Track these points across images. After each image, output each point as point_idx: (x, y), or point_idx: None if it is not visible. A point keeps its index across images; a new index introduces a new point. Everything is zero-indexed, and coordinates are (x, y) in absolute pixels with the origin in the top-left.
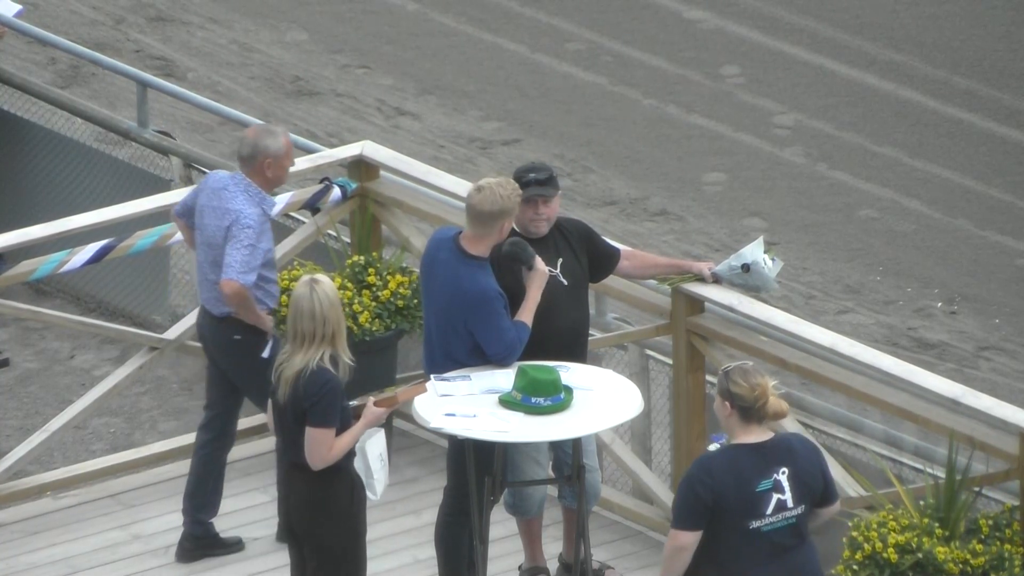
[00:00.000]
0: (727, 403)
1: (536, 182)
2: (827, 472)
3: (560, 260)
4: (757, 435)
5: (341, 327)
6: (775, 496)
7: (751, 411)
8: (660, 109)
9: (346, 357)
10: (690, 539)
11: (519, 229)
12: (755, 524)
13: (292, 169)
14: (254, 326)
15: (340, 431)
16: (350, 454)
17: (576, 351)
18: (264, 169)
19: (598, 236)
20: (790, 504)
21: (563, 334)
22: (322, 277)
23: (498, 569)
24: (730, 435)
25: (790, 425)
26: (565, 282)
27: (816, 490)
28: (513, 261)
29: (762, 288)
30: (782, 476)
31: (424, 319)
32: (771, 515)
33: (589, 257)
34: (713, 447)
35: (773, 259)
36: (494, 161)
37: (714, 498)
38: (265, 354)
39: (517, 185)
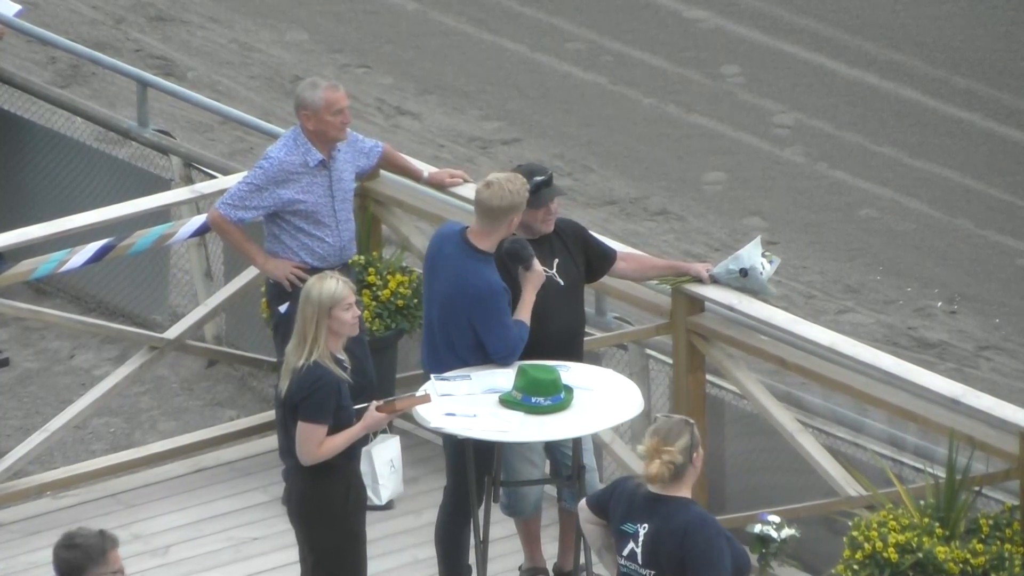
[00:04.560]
0: None
1: (545, 184)
2: (691, 557)
3: (556, 260)
4: (656, 486)
5: (309, 329)
6: (631, 543)
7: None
8: (660, 109)
9: (326, 362)
10: (582, 507)
11: (526, 232)
12: (618, 558)
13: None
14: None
15: (337, 431)
16: (352, 455)
17: (572, 352)
18: (305, 121)
19: (592, 236)
20: (639, 560)
21: (559, 336)
22: (331, 279)
23: (498, 569)
24: None
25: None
26: (561, 282)
27: (667, 565)
28: (513, 259)
29: (759, 292)
30: (642, 529)
31: (425, 313)
32: (626, 557)
33: (585, 257)
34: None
35: (771, 260)
36: (494, 161)
37: (607, 506)
38: (282, 309)
39: (525, 180)
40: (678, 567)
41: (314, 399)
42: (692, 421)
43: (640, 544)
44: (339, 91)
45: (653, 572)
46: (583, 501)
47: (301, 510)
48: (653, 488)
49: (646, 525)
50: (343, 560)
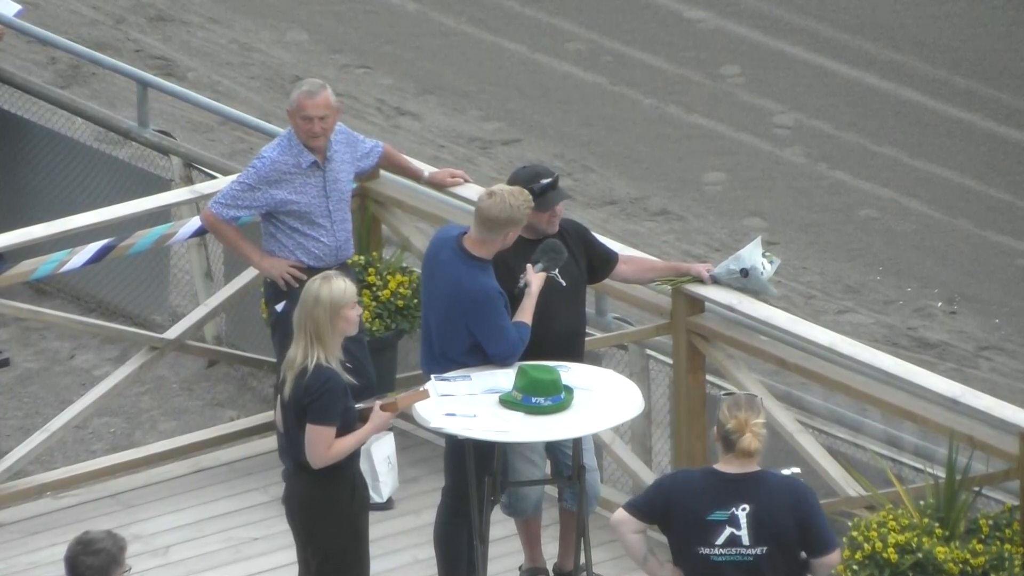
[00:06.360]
0: (716, 428)
1: (552, 187)
2: (809, 521)
3: None
4: (734, 466)
5: (324, 330)
6: (728, 529)
7: (729, 442)
8: (660, 109)
9: (328, 361)
10: (626, 518)
11: (530, 233)
12: (704, 550)
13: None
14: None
15: (343, 432)
16: (353, 455)
17: (573, 353)
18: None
19: (594, 238)
20: (745, 541)
21: (560, 336)
22: (338, 279)
23: (498, 569)
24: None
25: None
26: (563, 283)
27: (784, 537)
28: (545, 253)
29: (760, 292)
30: (741, 512)
31: (423, 317)
32: (722, 546)
33: (587, 259)
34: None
35: (772, 261)
36: (494, 161)
37: (667, 506)
38: (279, 308)
39: (529, 196)
40: (796, 534)
41: (323, 401)
42: (755, 393)
43: (744, 526)
44: (315, 98)
45: (764, 548)
46: (621, 513)
47: (306, 513)
48: (728, 469)
49: (745, 506)
50: (348, 561)
